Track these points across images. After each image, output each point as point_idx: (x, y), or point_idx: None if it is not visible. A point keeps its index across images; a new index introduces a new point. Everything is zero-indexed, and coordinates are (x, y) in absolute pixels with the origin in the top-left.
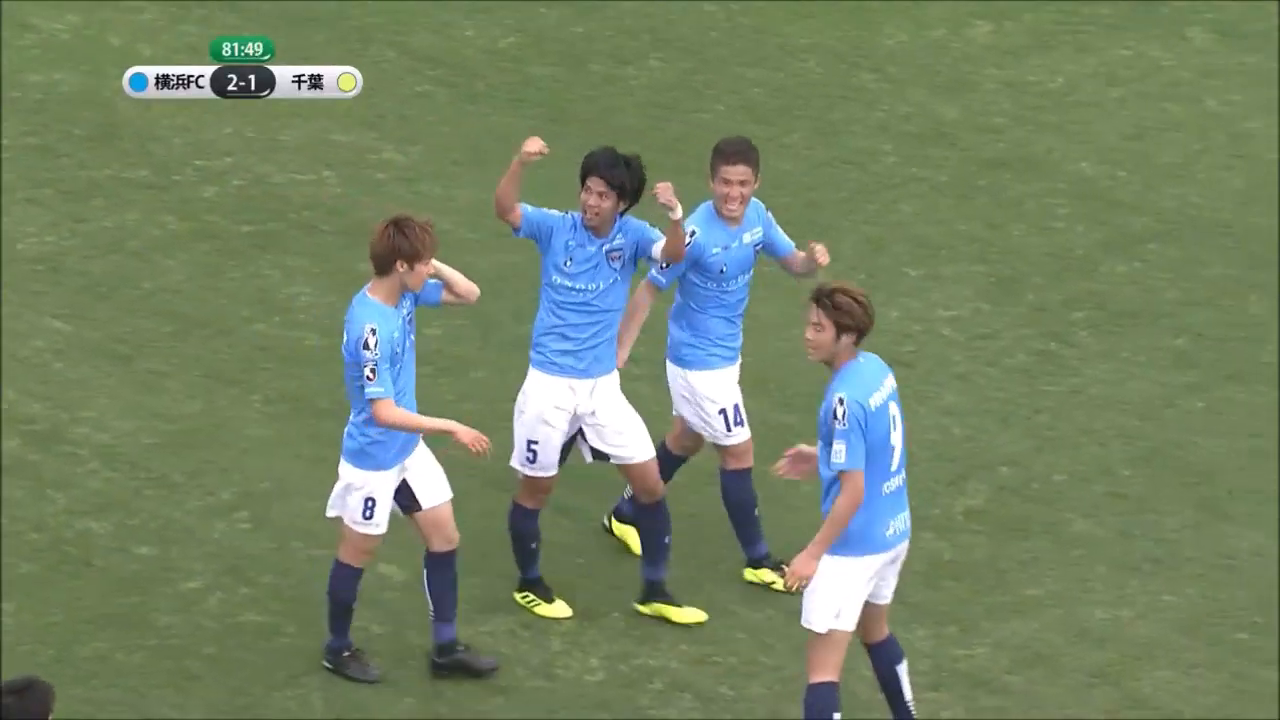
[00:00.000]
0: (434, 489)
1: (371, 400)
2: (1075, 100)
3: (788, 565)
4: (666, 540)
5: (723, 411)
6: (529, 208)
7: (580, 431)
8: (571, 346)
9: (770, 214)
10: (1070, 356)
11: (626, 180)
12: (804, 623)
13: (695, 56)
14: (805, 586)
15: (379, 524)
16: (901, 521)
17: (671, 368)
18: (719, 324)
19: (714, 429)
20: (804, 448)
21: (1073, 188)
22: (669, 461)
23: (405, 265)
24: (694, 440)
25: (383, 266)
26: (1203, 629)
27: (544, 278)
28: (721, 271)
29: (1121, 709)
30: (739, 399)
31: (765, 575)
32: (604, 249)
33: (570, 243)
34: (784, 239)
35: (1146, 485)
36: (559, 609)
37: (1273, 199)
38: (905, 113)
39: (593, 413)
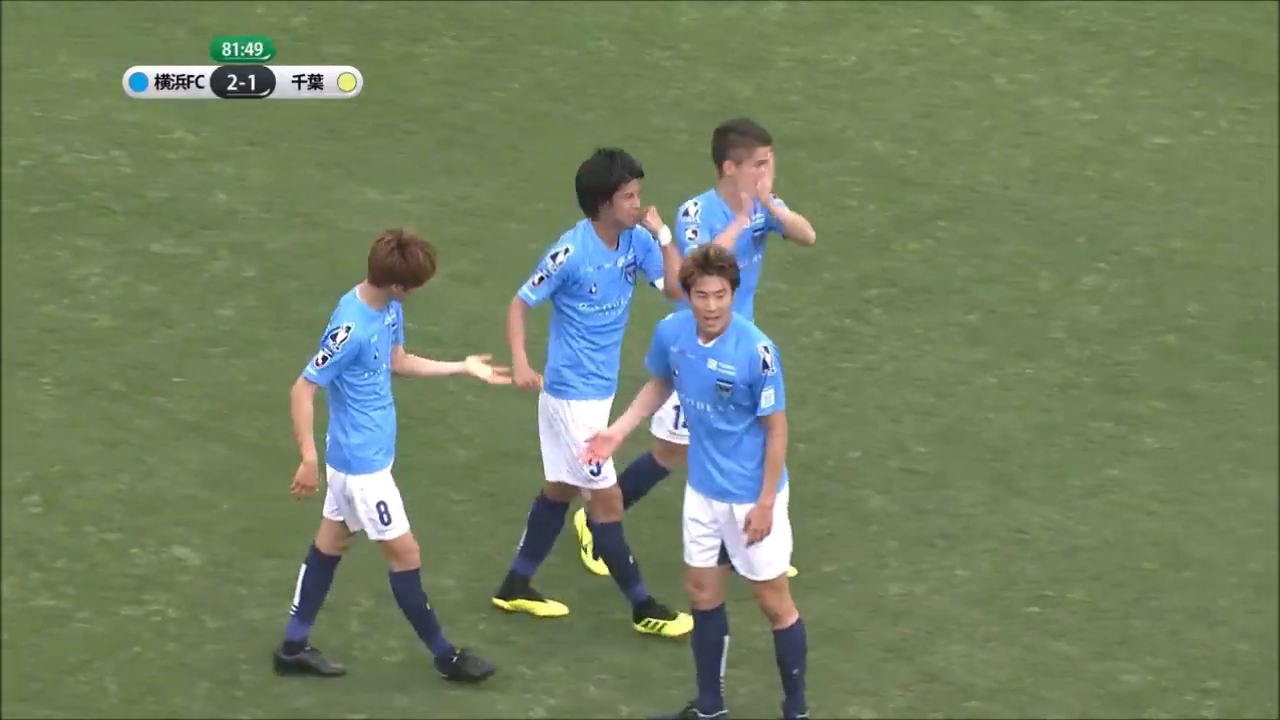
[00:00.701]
0: None
1: (303, 378)
2: (867, 78)
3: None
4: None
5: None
6: (546, 278)
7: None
8: (607, 369)
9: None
10: (865, 334)
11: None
12: (767, 574)
13: (489, 34)
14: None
15: (400, 523)
16: None
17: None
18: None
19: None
20: (602, 432)
21: (865, 166)
22: (654, 475)
23: (398, 287)
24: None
25: (377, 280)
26: (995, 603)
27: (563, 311)
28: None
29: (915, 683)
30: None
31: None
32: (620, 265)
33: (590, 269)
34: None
35: (940, 461)
36: (680, 625)
37: (1062, 176)
38: (699, 91)
39: None
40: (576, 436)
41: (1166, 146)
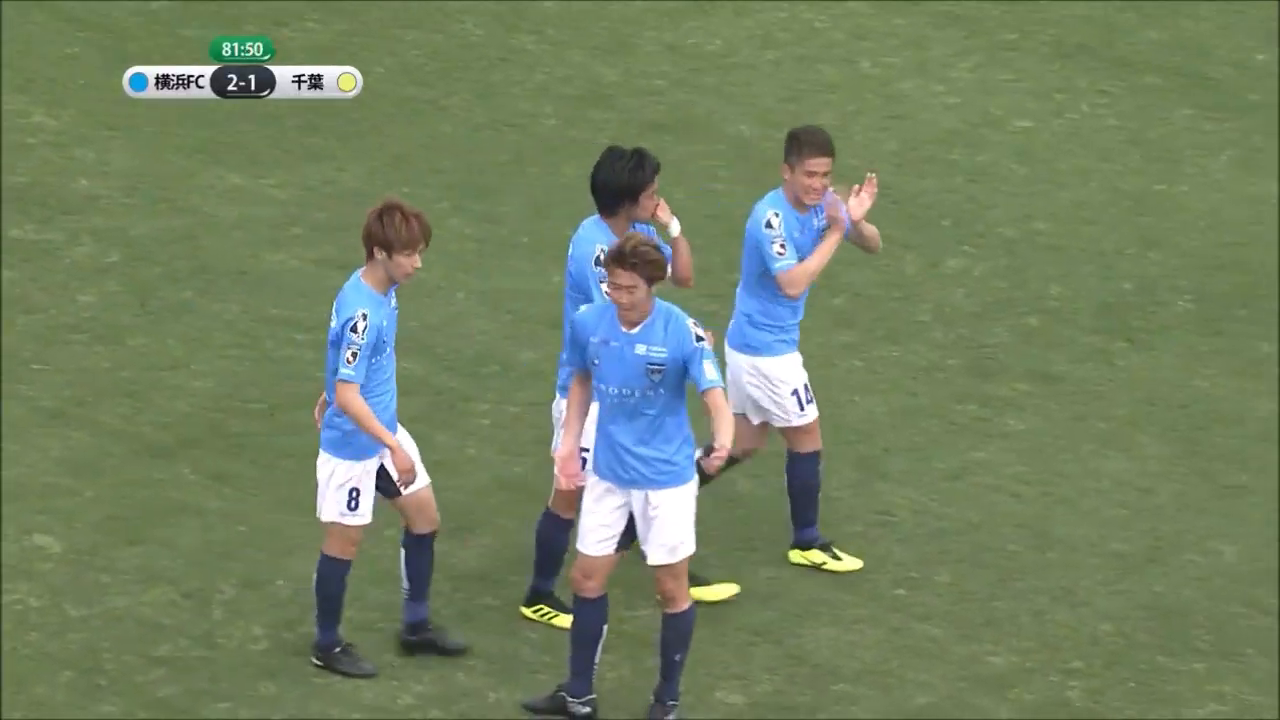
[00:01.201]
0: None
1: (341, 382)
2: (733, 62)
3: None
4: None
5: (795, 392)
6: (593, 292)
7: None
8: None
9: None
10: (729, 315)
11: None
12: (684, 554)
13: (353, 18)
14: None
15: (364, 514)
16: None
17: (738, 356)
18: (786, 310)
19: (786, 411)
20: (559, 453)
21: (732, 150)
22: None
23: (382, 253)
24: (751, 442)
25: (366, 249)
26: (862, 585)
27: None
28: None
29: (783, 665)
30: (806, 380)
31: (815, 556)
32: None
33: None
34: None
35: None
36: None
37: (927, 160)
38: (565, 75)
39: None
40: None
41: (1029, 130)
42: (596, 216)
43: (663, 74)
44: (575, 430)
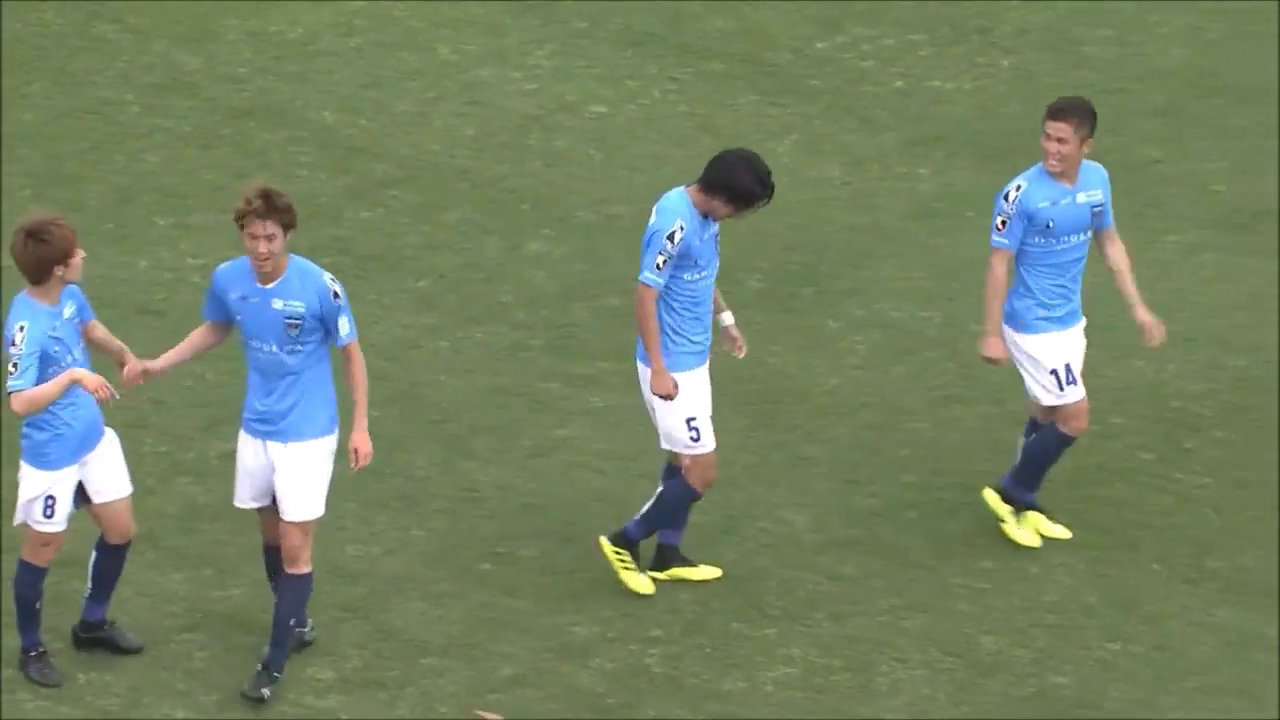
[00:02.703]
0: (111, 484)
1: (12, 394)
2: (316, 50)
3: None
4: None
5: (1054, 372)
6: (667, 260)
7: None
8: (705, 334)
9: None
10: None
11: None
12: (311, 514)
13: None
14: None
15: (60, 522)
16: None
17: (1007, 333)
18: (1048, 285)
19: (1047, 389)
20: (145, 364)
21: (315, 136)
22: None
23: (60, 267)
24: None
25: (38, 275)
26: (450, 561)
27: (669, 284)
28: (1048, 227)
29: (372, 641)
30: (1072, 359)
31: (1041, 524)
32: (712, 233)
33: (697, 241)
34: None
35: (394, 424)
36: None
37: (506, 145)
38: (147, 63)
39: None
40: (674, 403)
41: (604, 115)
42: (683, 188)
43: (245, 61)
44: (173, 356)
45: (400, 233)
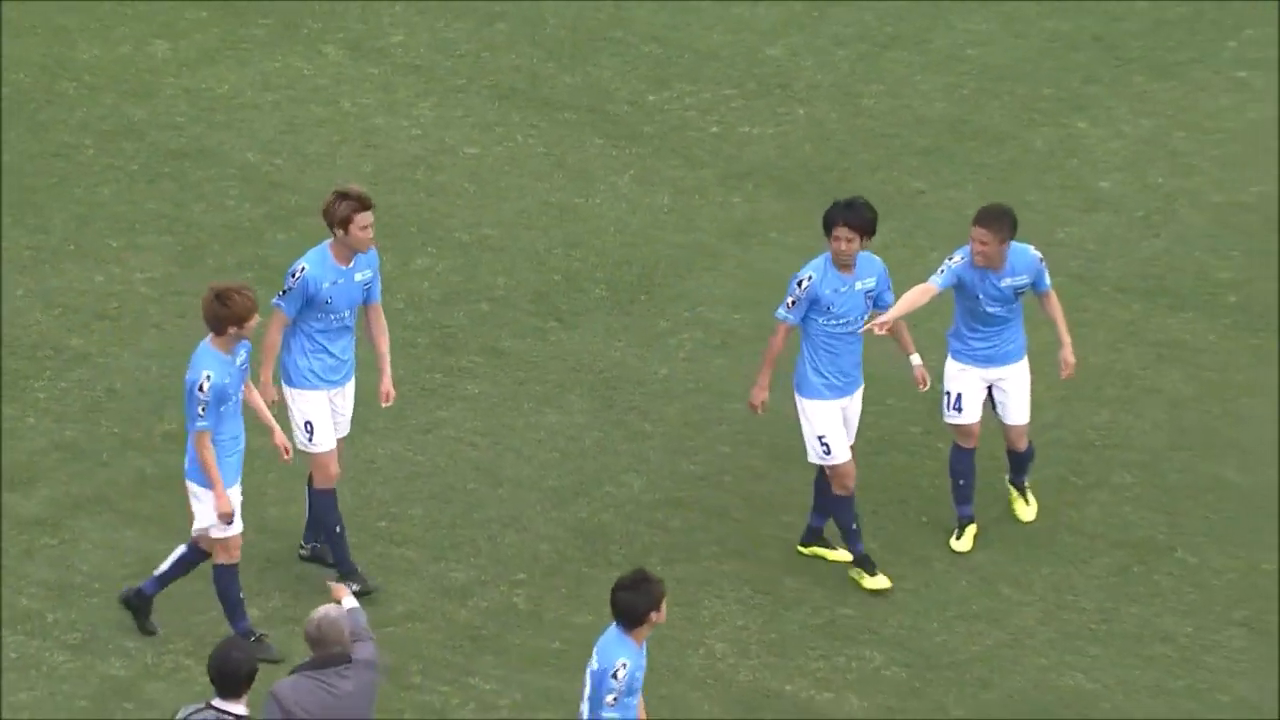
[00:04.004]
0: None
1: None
2: (240, 102)
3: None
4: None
5: (820, 437)
6: (800, 301)
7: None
8: (838, 373)
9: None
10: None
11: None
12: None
13: None
14: None
15: (238, 525)
16: None
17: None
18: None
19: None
20: None
21: (241, 173)
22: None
23: (236, 328)
24: None
25: (217, 329)
26: (352, 520)
27: (805, 325)
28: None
29: (289, 585)
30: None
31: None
32: (859, 288)
33: (830, 291)
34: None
35: None
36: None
37: (397, 179)
38: (101, 114)
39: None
40: (810, 429)
41: (477, 155)
42: (827, 255)
43: (182, 112)
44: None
45: None
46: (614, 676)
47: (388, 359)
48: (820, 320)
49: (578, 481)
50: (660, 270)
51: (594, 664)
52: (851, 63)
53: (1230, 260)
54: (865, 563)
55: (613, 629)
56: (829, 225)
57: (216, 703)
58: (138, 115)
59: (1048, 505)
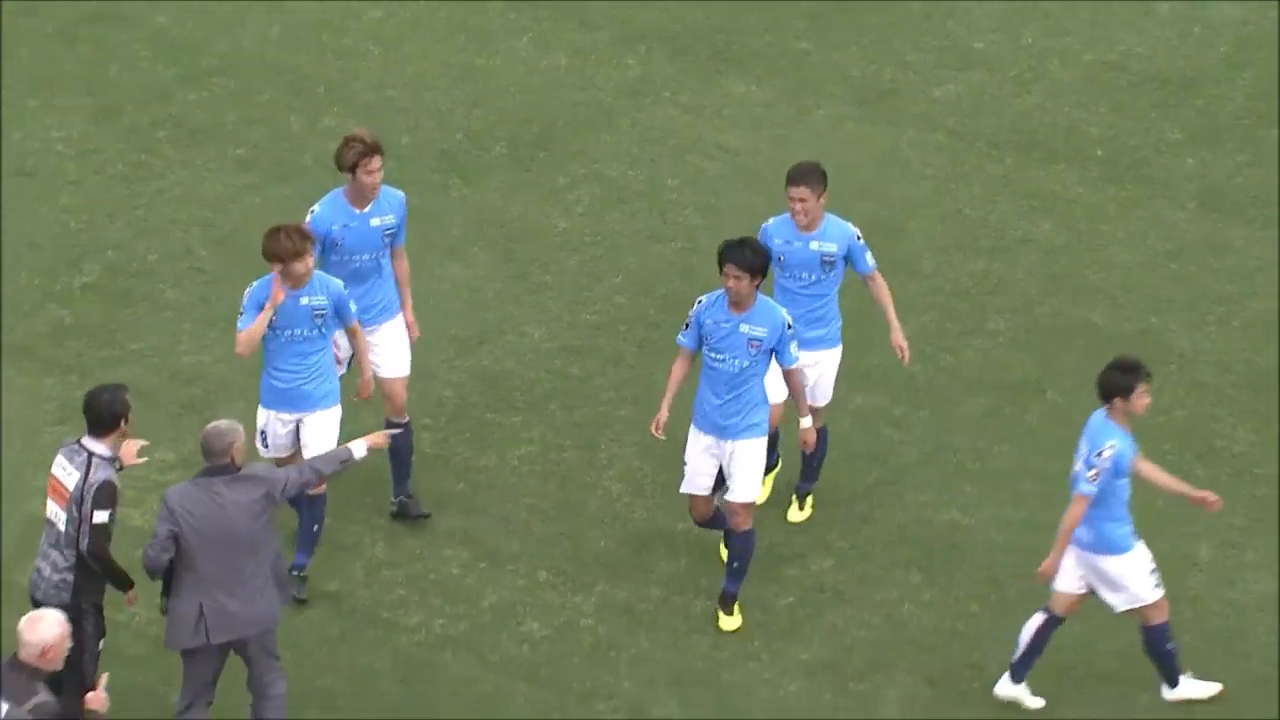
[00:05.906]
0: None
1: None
2: None
3: None
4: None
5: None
6: (690, 324)
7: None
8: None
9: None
10: (158, 165)
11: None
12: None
13: None
14: None
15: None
16: None
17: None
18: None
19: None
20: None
21: (153, 36)
22: None
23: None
24: None
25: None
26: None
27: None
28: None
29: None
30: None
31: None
32: (741, 327)
33: (710, 322)
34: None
35: (219, 263)
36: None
37: (304, 41)
38: None
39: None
40: None
41: (380, 19)
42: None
43: None
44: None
45: (221, 110)
46: (1098, 455)
47: (409, 303)
48: (704, 347)
49: (480, 330)
50: (559, 128)
51: (1082, 447)
52: None
53: (1098, 115)
54: (724, 601)
55: (1098, 414)
56: (719, 263)
57: (85, 440)
58: None
59: (926, 351)
